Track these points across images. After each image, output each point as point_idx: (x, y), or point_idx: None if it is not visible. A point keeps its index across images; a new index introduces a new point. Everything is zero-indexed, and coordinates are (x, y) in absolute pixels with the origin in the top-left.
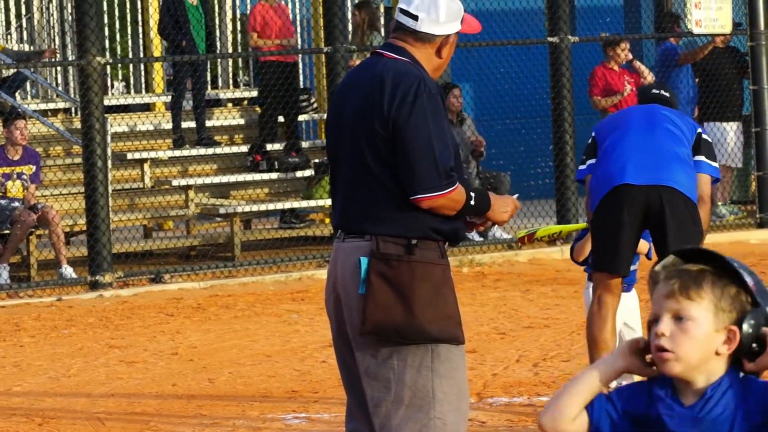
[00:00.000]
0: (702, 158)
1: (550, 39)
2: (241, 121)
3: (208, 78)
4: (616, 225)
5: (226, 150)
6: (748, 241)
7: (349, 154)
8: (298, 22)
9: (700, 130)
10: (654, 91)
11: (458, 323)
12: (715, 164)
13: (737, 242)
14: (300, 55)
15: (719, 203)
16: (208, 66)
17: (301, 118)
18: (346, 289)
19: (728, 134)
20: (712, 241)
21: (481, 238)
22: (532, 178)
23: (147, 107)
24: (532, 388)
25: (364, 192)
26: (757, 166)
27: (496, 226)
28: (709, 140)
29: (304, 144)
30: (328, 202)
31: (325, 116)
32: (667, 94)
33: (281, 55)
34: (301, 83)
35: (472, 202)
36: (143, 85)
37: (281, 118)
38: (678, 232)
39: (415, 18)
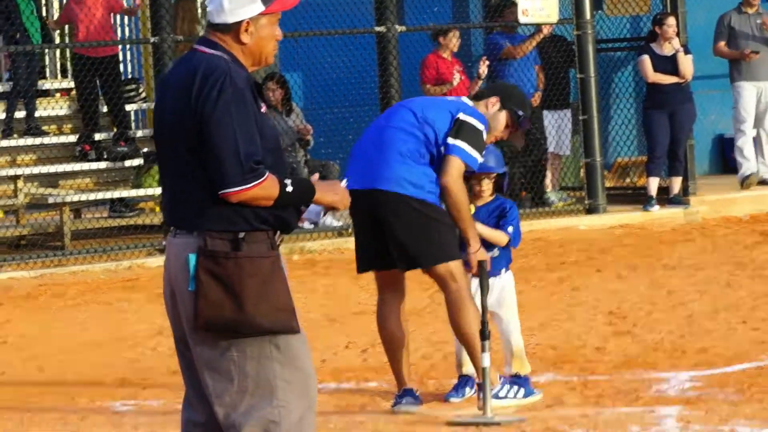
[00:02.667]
0: (452, 141)
1: (377, 28)
2: (69, 111)
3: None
4: (355, 228)
5: (55, 140)
6: (577, 227)
7: (171, 149)
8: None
9: (461, 114)
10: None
11: (292, 313)
12: (470, 149)
13: (566, 228)
14: (128, 45)
15: (548, 190)
16: (44, 55)
17: (130, 107)
18: (179, 284)
19: (558, 122)
20: (543, 227)
21: (312, 226)
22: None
23: None
24: (360, 374)
25: (188, 187)
26: (584, 153)
27: (329, 215)
28: (472, 124)
29: (133, 133)
30: (158, 190)
31: (153, 106)
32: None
33: (92, 48)
34: (129, 73)
35: (289, 189)
36: None
37: (105, 109)
38: (407, 230)
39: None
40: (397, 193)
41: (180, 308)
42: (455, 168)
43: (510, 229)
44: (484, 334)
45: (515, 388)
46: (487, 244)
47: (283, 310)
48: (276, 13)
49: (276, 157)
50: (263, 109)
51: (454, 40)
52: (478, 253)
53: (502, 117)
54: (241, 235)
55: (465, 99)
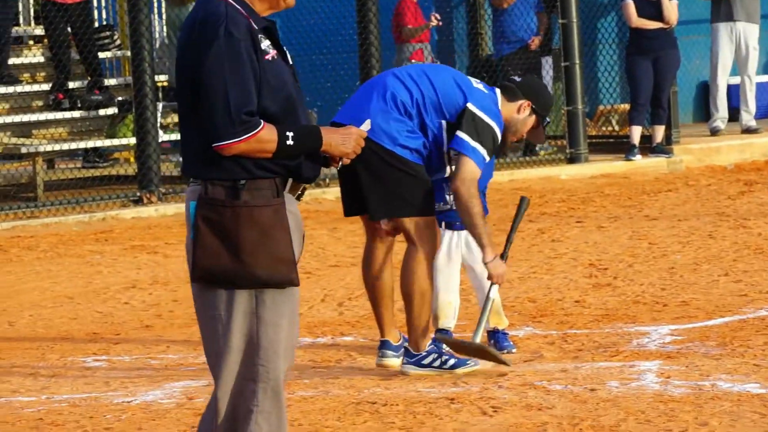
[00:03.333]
0: (467, 138)
1: None
2: (42, 59)
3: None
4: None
5: (28, 88)
6: (558, 177)
7: (181, 98)
8: None
9: (475, 108)
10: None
11: (292, 265)
12: (484, 152)
13: (548, 178)
14: None
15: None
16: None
17: (104, 55)
18: (187, 233)
19: (541, 68)
20: (524, 177)
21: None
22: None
23: None
24: (336, 328)
25: (194, 136)
26: (566, 101)
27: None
28: (489, 124)
29: (109, 81)
30: (133, 140)
31: (128, 53)
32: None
33: None
34: (104, 20)
35: (290, 142)
36: None
37: (77, 57)
38: (372, 179)
39: None
40: (368, 138)
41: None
42: (469, 172)
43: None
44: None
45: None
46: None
47: (282, 261)
48: None
49: (286, 106)
50: (270, 56)
51: None
52: (493, 263)
53: (530, 121)
54: (243, 182)
55: (498, 93)
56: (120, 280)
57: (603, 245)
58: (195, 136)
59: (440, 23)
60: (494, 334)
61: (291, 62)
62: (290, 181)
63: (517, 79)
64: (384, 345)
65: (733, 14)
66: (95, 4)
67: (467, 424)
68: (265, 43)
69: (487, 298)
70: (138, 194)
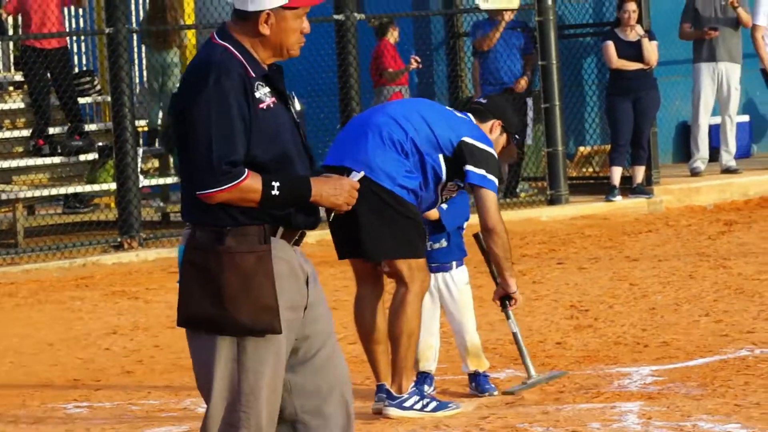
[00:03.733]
0: (475, 169)
1: (335, 16)
2: (22, 105)
3: None
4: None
5: (8, 134)
6: (539, 218)
7: (176, 141)
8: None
9: (468, 138)
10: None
11: (274, 312)
12: (493, 177)
13: (528, 219)
14: (83, 37)
15: (521, 182)
16: None
17: (84, 100)
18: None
19: (527, 110)
20: (504, 218)
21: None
22: (319, 158)
23: None
24: None
25: (186, 180)
26: (546, 143)
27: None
28: (486, 150)
29: (88, 127)
30: (113, 186)
31: (109, 98)
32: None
33: (38, 40)
34: (84, 66)
35: (275, 192)
36: None
37: (57, 102)
38: (369, 219)
39: None
40: (366, 177)
41: None
42: (492, 202)
43: (444, 206)
44: None
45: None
46: (435, 233)
47: (265, 308)
48: (301, 7)
49: (280, 155)
50: (265, 104)
51: (395, 33)
52: (519, 293)
53: (502, 140)
54: (228, 228)
55: (471, 117)
56: (101, 326)
57: (584, 286)
58: (186, 180)
59: (420, 66)
60: (475, 377)
61: (298, 107)
62: (280, 228)
63: (483, 100)
64: (381, 389)
65: (716, 55)
66: (76, 49)
67: None
68: (262, 91)
69: (514, 333)
70: (119, 240)
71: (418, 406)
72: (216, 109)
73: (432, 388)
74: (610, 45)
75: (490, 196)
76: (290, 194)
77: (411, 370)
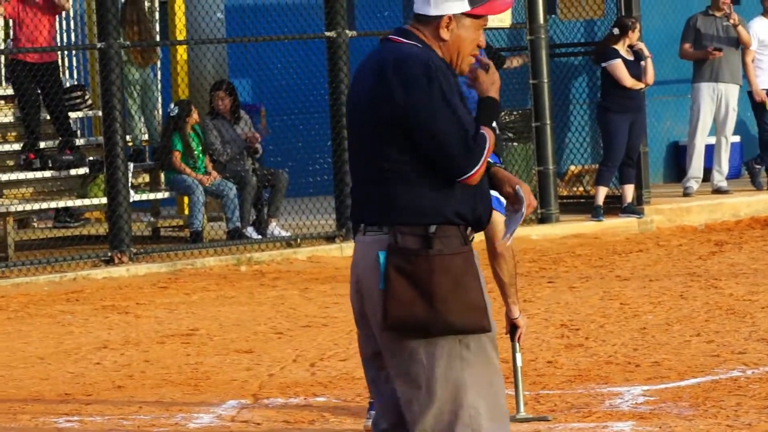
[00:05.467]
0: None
1: (327, 33)
2: (13, 119)
3: None
4: None
5: None
6: (529, 237)
7: (363, 145)
8: (71, 17)
9: None
10: None
11: (484, 312)
12: (494, 192)
13: (519, 238)
14: (74, 51)
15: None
16: None
17: (75, 115)
18: (368, 284)
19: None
20: None
21: (260, 236)
22: (310, 175)
23: None
24: (308, 389)
25: (380, 182)
26: (537, 161)
27: (274, 224)
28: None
29: (79, 141)
30: (104, 200)
31: (100, 113)
32: None
33: (29, 54)
34: (75, 80)
35: (494, 125)
36: None
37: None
38: None
39: None
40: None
41: (368, 310)
42: (502, 226)
43: None
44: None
45: None
46: None
47: (475, 308)
48: (482, 17)
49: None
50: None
51: None
52: (523, 318)
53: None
54: (432, 229)
55: None
56: (91, 340)
57: (574, 306)
58: (382, 180)
59: None
60: None
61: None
62: (469, 228)
63: None
64: (371, 407)
65: (719, 75)
66: (67, 64)
67: None
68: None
69: (515, 368)
70: (109, 254)
71: None
72: (450, 95)
73: None
74: (620, 63)
75: (500, 219)
76: (496, 115)
77: None
